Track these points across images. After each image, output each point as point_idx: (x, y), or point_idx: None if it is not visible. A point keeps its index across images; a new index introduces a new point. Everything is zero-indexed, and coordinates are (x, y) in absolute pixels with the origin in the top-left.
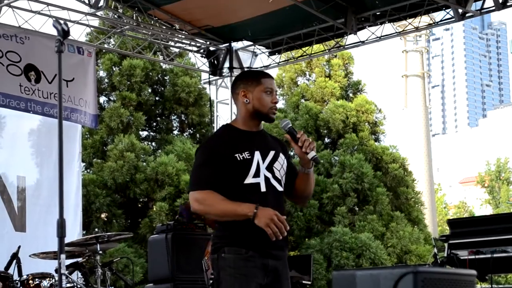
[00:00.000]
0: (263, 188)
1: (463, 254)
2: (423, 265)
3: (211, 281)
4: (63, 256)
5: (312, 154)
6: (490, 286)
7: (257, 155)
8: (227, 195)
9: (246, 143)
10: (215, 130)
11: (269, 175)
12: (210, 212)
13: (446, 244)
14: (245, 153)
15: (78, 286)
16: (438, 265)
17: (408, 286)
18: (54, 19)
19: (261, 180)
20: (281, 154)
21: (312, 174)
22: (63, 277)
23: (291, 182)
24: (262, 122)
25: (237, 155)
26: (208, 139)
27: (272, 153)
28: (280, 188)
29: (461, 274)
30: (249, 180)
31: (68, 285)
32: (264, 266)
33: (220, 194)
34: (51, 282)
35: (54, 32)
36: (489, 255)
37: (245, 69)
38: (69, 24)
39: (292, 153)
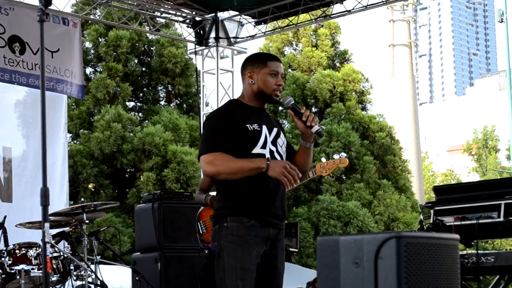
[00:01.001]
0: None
1: (449, 220)
2: (410, 231)
3: (206, 247)
4: (47, 224)
5: (316, 127)
6: (476, 251)
7: (265, 128)
8: None
9: (255, 116)
10: (201, 100)
11: (273, 148)
12: (222, 171)
13: (432, 211)
14: (255, 124)
15: (65, 255)
16: (424, 231)
17: (391, 250)
18: None
19: (267, 151)
20: (281, 133)
21: (312, 149)
22: (50, 247)
23: (290, 159)
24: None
25: (248, 125)
26: (218, 110)
27: (275, 130)
28: None
29: (444, 238)
30: (257, 150)
31: (55, 254)
32: (264, 235)
33: None
34: (37, 251)
35: (38, 2)
36: (474, 221)
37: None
38: None
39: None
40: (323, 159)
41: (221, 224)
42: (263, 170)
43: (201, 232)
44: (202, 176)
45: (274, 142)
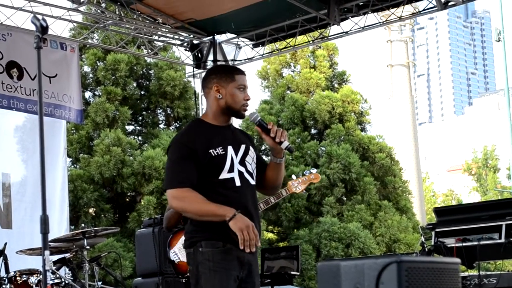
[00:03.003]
0: (237, 183)
1: (450, 242)
2: (411, 253)
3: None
4: (47, 252)
5: (285, 143)
6: (478, 273)
7: (230, 150)
8: (201, 190)
9: (219, 138)
10: None
11: (242, 169)
12: (189, 210)
13: (433, 233)
14: (219, 148)
15: (66, 281)
16: (426, 253)
17: (392, 275)
18: (33, 15)
19: (235, 174)
20: (250, 147)
21: (283, 164)
22: (51, 273)
23: (261, 174)
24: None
25: (211, 150)
26: (181, 135)
27: (243, 147)
28: (252, 182)
29: (445, 262)
30: (224, 175)
31: (56, 280)
32: (240, 259)
33: (196, 189)
34: (38, 278)
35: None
36: (476, 243)
37: (226, 63)
38: (52, 20)
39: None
40: (294, 176)
41: (196, 248)
42: (226, 220)
43: (175, 261)
44: (167, 210)
45: (242, 162)
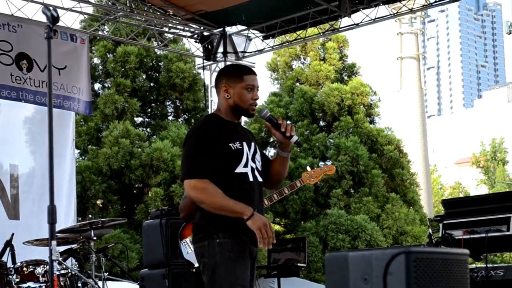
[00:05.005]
0: (250, 178)
1: (458, 234)
2: (418, 245)
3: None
4: (54, 242)
5: (295, 138)
6: (485, 265)
7: (245, 145)
8: (216, 182)
9: (236, 133)
10: None
11: (253, 165)
12: (207, 203)
13: (440, 225)
14: (237, 143)
15: (73, 272)
16: (433, 245)
17: (400, 266)
18: (43, 6)
19: (248, 170)
20: (257, 146)
21: (289, 157)
22: (57, 264)
23: (265, 169)
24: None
25: (231, 144)
26: (199, 127)
27: (252, 144)
28: (260, 179)
29: (454, 253)
30: (240, 169)
31: (63, 271)
32: (251, 252)
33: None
34: (45, 269)
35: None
36: (483, 235)
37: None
38: (62, 11)
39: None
40: (308, 168)
41: (211, 240)
42: (244, 218)
43: (187, 252)
44: (184, 199)
45: (253, 159)
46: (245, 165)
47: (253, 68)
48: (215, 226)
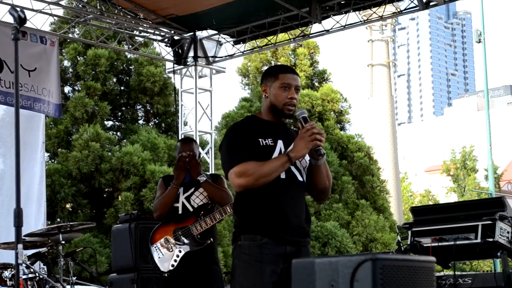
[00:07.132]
0: (282, 175)
1: (426, 241)
2: (388, 252)
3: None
4: (20, 246)
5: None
6: (453, 273)
7: (280, 143)
8: None
9: (270, 131)
10: (180, 119)
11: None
12: (258, 176)
13: (409, 232)
14: (269, 139)
15: (40, 276)
16: (402, 252)
17: (366, 273)
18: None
19: None
20: None
21: (323, 167)
22: (25, 268)
23: (309, 177)
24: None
25: (260, 140)
26: (234, 125)
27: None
28: (300, 178)
29: (420, 261)
30: None
31: (30, 275)
32: (280, 252)
33: None
34: (12, 272)
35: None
36: (452, 242)
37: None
38: (32, 13)
39: None
40: None
41: (236, 243)
42: (290, 159)
43: (159, 257)
44: (157, 198)
45: None
46: None
47: (293, 68)
48: (240, 229)
